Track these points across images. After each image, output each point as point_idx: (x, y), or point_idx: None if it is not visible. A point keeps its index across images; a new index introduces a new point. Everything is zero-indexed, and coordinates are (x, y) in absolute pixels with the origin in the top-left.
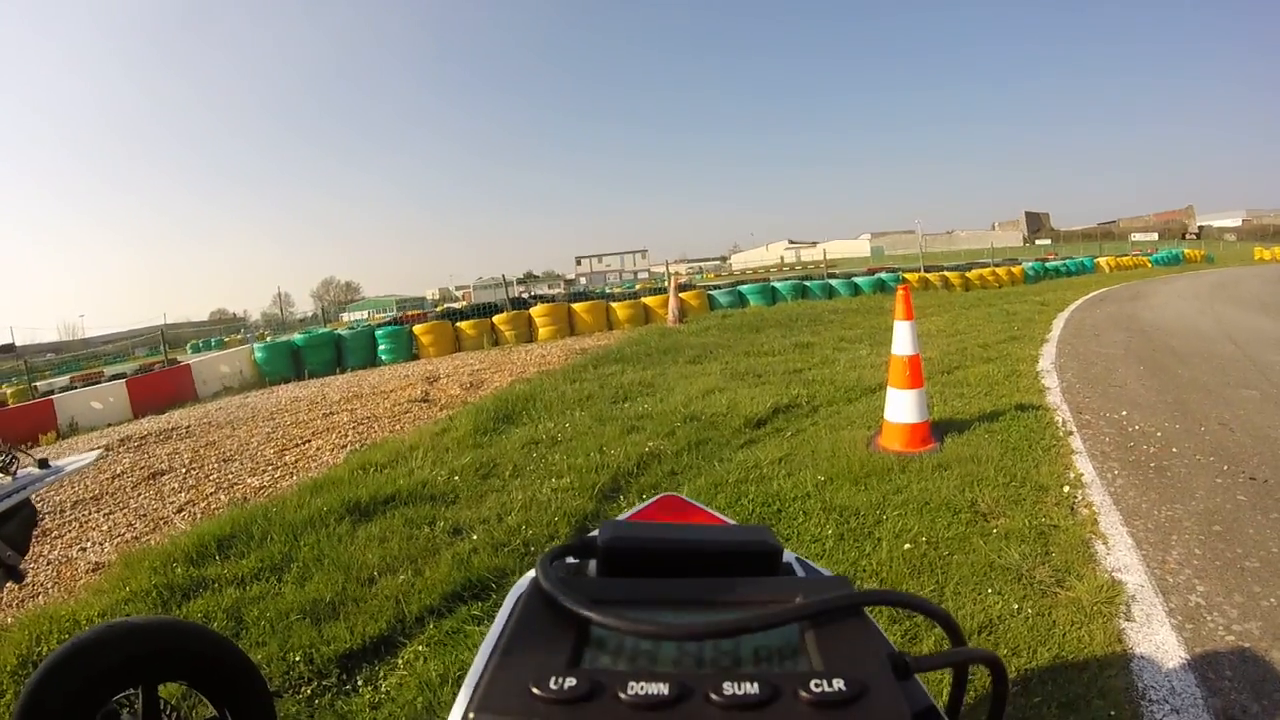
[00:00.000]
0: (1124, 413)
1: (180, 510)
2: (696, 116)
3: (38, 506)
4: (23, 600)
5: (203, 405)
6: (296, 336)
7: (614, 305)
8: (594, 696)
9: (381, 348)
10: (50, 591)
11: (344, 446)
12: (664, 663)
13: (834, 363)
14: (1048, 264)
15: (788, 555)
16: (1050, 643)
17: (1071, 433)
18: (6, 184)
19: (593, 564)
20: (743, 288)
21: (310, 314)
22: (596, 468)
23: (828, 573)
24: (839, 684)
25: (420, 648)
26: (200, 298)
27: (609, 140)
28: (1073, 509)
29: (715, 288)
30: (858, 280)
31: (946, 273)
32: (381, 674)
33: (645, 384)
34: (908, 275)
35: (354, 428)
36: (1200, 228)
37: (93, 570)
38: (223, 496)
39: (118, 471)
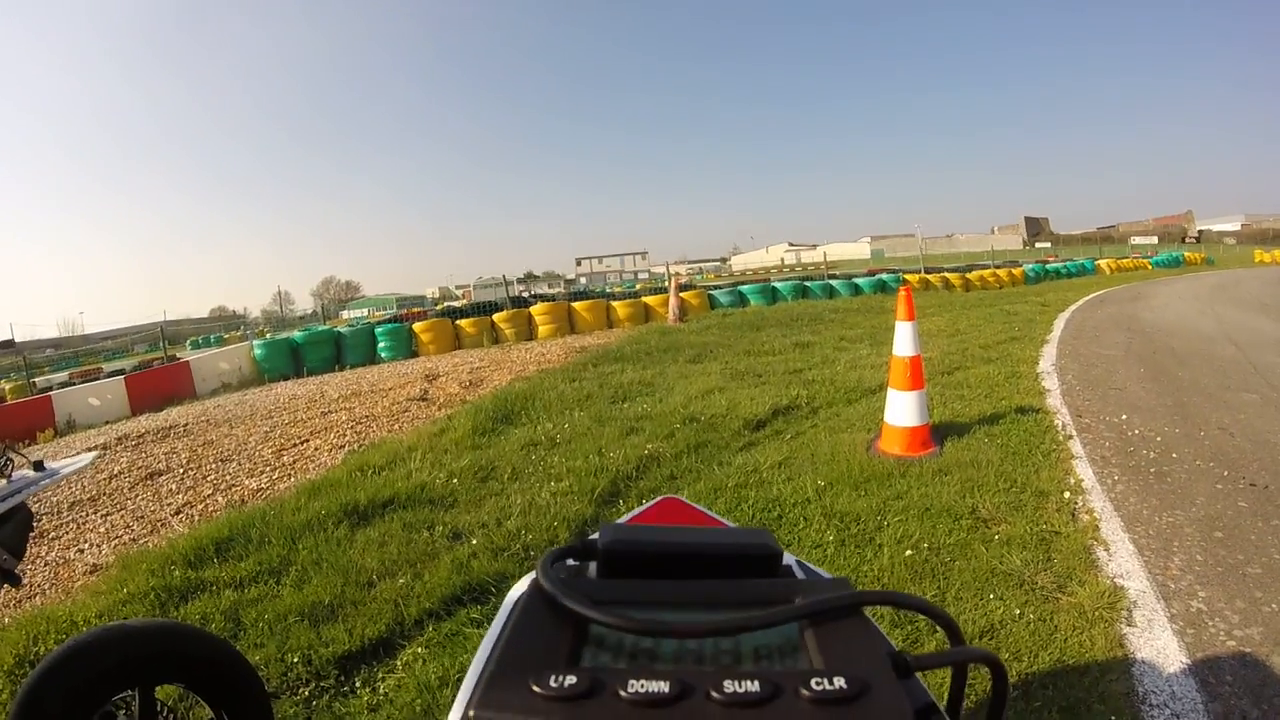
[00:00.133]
0: (1124, 417)
1: (178, 512)
2: (697, 120)
3: (34, 508)
4: (19, 601)
5: (201, 402)
6: (296, 334)
7: (614, 304)
8: (594, 694)
9: (381, 345)
10: (47, 593)
11: (342, 447)
12: (664, 661)
13: (834, 363)
14: (1048, 266)
15: (788, 558)
16: (1051, 647)
17: (1072, 437)
18: (6, 184)
19: (593, 566)
20: (743, 288)
21: (310, 311)
22: (595, 471)
23: (827, 575)
24: (840, 682)
25: (419, 650)
26: (200, 296)
27: (610, 144)
28: (1074, 515)
29: (716, 288)
30: (858, 281)
31: (947, 274)
32: (380, 676)
33: (645, 383)
34: (908, 276)
35: (352, 427)
36: (1200, 232)
37: (90, 572)
38: (220, 498)
39: (115, 471)
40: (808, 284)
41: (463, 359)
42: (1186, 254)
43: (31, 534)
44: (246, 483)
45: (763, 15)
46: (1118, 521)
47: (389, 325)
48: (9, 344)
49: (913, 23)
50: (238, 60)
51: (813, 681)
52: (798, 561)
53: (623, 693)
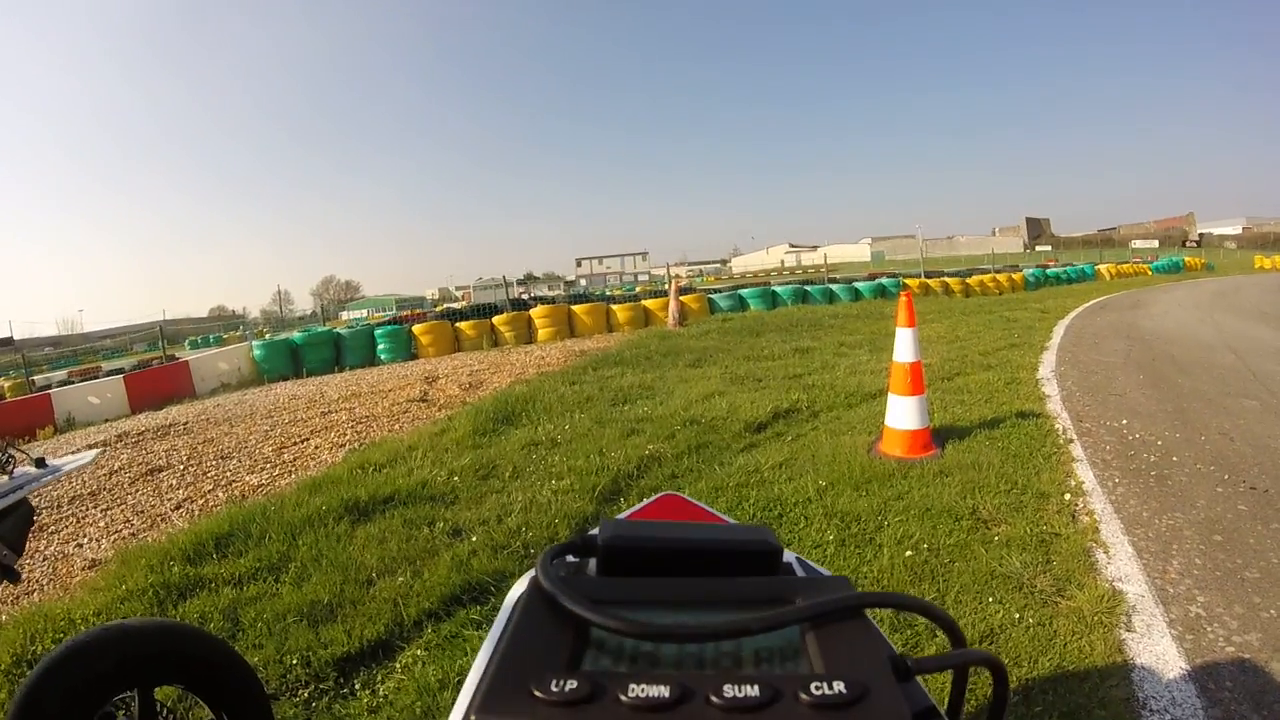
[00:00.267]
0: (1124, 421)
1: (178, 507)
2: (697, 120)
3: (34, 503)
4: (17, 597)
5: (201, 402)
6: (295, 334)
7: (614, 307)
8: (594, 698)
9: (380, 347)
10: (46, 589)
11: (342, 445)
12: (665, 664)
13: (834, 368)
14: (1048, 271)
15: (788, 555)
16: (1051, 652)
17: (1072, 440)
18: (6, 182)
19: (593, 562)
20: (743, 291)
21: (309, 312)
22: (596, 470)
23: (828, 573)
24: (839, 686)
25: (419, 652)
26: (199, 295)
27: (610, 144)
28: (1073, 517)
29: (715, 291)
30: (858, 285)
31: (947, 278)
32: (379, 678)
33: (645, 387)
34: (909, 281)
35: (352, 427)
36: (1201, 235)
37: (89, 567)
38: (221, 494)
39: (115, 467)
40: (808, 288)
41: (462, 361)
42: (1187, 259)
43: (31, 528)
44: (247, 479)
45: (763, 15)
46: (1117, 524)
47: (388, 327)
48: (8, 342)
49: (913, 23)
50: (237, 59)
51: (812, 685)
52: (798, 559)
53: (623, 697)
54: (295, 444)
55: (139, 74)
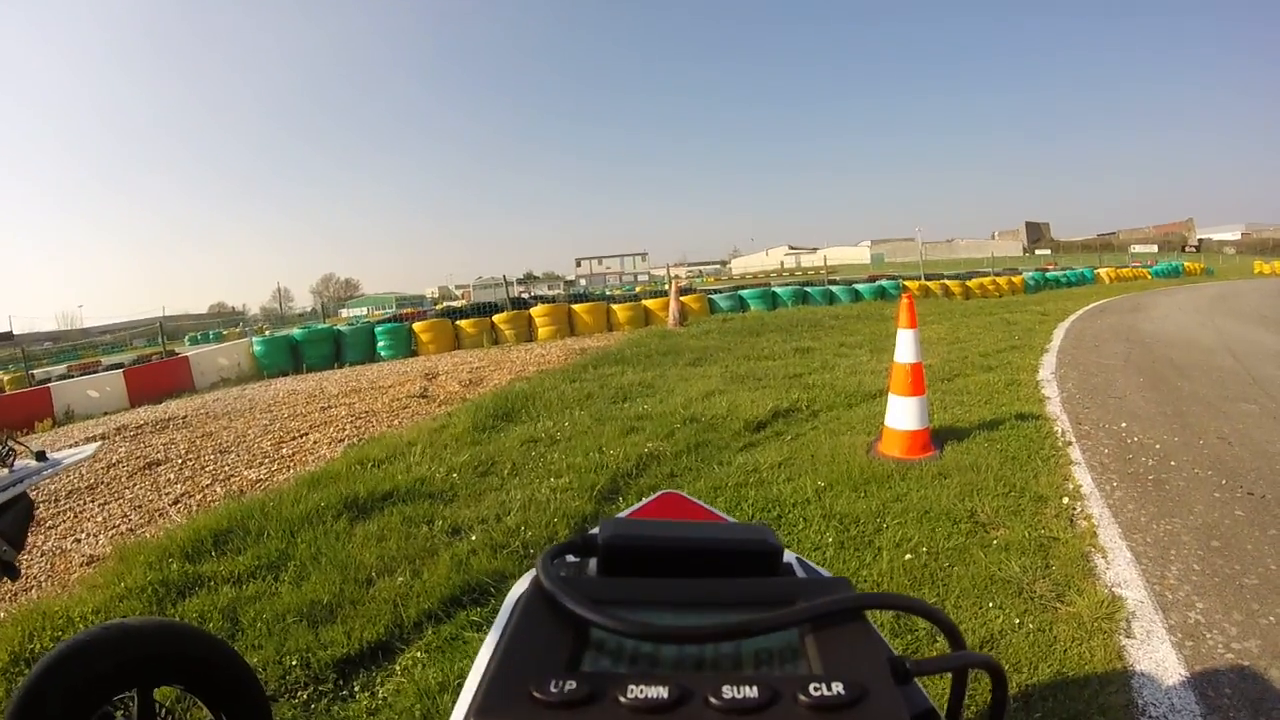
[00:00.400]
0: (1123, 424)
1: (176, 502)
2: (697, 120)
3: (33, 497)
4: (15, 594)
5: (200, 396)
6: (295, 331)
7: (614, 307)
8: (594, 700)
9: (381, 344)
10: (44, 585)
11: (341, 440)
12: (664, 665)
13: (834, 368)
14: (1048, 274)
15: (788, 556)
16: (1051, 659)
17: (1071, 443)
18: (5, 178)
19: (593, 562)
20: (743, 292)
21: (309, 309)
22: (596, 468)
23: (827, 574)
24: (838, 687)
25: (418, 654)
26: (199, 292)
27: (610, 143)
28: (1072, 521)
29: (715, 292)
30: (859, 287)
31: (947, 281)
32: (379, 680)
33: (645, 385)
34: (909, 283)
35: (351, 422)
36: (1200, 240)
37: (87, 563)
38: (219, 489)
39: (113, 461)
40: (808, 289)
41: (462, 359)
42: (1186, 264)
43: (31, 524)
44: (245, 473)
45: (762, 17)
46: (1115, 528)
47: (389, 325)
48: (8, 336)
49: (913, 26)
50: (237, 54)
51: (811, 687)
52: (798, 559)
53: (622, 698)
54: (294, 439)
55: (139, 69)
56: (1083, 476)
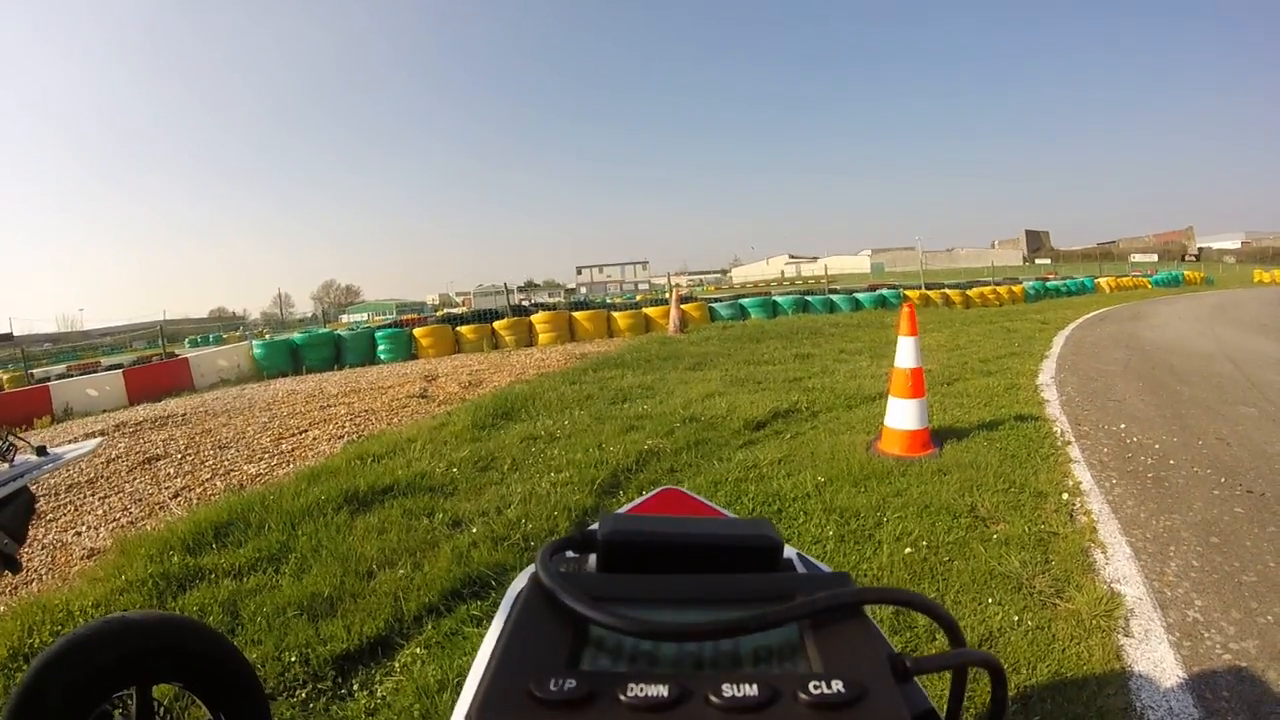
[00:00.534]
0: (1123, 426)
1: (176, 495)
2: (697, 121)
3: (34, 490)
4: (16, 587)
5: (199, 395)
6: (296, 335)
7: (615, 314)
8: (594, 699)
9: (381, 348)
10: (44, 578)
11: (341, 437)
12: (664, 663)
13: (834, 373)
14: (1048, 283)
15: (788, 551)
16: (1050, 658)
17: (1070, 443)
18: (6, 179)
19: (593, 558)
20: (744, 301)
21: (310, 315)
22: (596, 463)
23: (827, 569)
24: (838, 686)
25: (418, 650)
26: (199, 296)
27: (609, 143)
28: (1071, 516)
29: (716, 300)
30: (859, 296)
31: (947, 290)
32: (378, 678)
33: (645, 387)
34: (909, 292)
35: (351, 420)
36: (1200, 249)
37: (88, 556)
38: (219, 483)
39: (113, 456)
40: (808, 298)
41: (462, 362)
42: (1186, 273)
43: (32, 518)
44: (245, 468)
45: (764, 18)
46: (1115, 524)
47: (389, 330)
48: (7, 337)
49: (914, 29)
50: (237, 55)
51: (810, 685)
52: (798, 554)
53: (622, 697)
54: (294, 435)
55: (140, 69)
56: (1082, 474)
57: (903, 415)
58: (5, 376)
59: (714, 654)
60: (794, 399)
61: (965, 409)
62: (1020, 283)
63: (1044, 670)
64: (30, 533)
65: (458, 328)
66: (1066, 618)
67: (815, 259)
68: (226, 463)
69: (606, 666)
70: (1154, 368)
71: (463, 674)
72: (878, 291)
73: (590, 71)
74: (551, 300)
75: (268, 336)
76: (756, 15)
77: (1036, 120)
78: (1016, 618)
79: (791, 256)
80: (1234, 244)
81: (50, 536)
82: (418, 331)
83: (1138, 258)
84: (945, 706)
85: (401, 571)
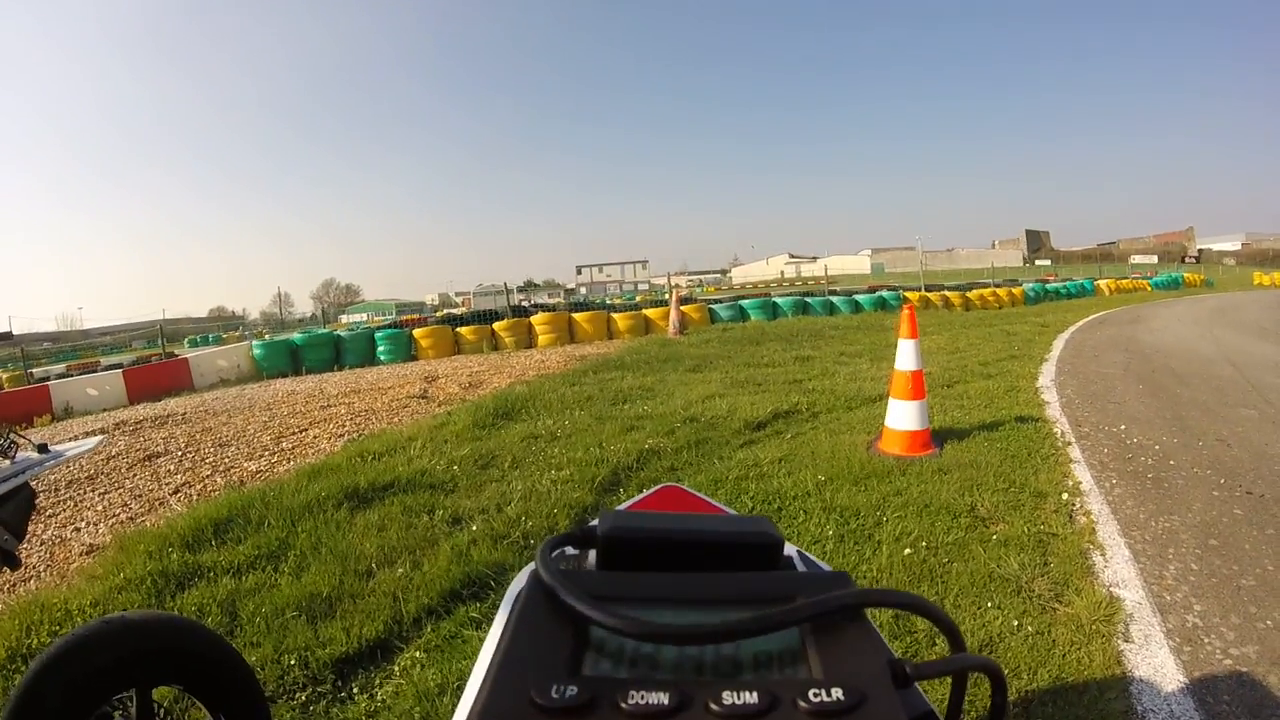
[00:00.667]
0: (1122, 427)
1: (176, 491)
2: (697, 122)
3: (34, 487)
4: (14, 584)
5: (199, 395)
6: (296, 335)
7: (614, 315)
8: (595, 706)
9: (380, 349)
10: (43, 575)
11: (341, 436)
12: (665, 666)
13: (834, 375)
14: (1048, 286)
15: (789, 548)
16: (1050, 663)
17: (1070, 444)
18: (6, 179)
19: (592, 554)
20: (744, 302)
21: (309, 315)
22: (596, 462)
23: (827, 568)
24: (837, 693)
25: (417, 653)
26: (198, 296)
27: (609, 143)
28: (1071, 517)
29: (716, 301)
30: (859, 298)
31: (947, 292)
32: (377, 681)
33: (645, 388)
34: (909, 294)
35: (351, 419)
36: (1200, 251)
37: (87, 552)
38: (219, 479)
39: (113, 453)
40: (808, 300)
41: (462, 363)
42: (1186, 275)
43: (32, 514)
44: (245, 465)
45: (763, 19)
46: (1114, 525)
47: (389, 330)
48: (7, 336)
49: (913, 31)
50: (238, 54)
51: (810, 692)
52: (799, 552)
53: (623, 704)
54: (294, 434)
55: (142, 67)
56: (1082, 474)
57: (903, 416)
58: (5, 376)
59: (715, 657)
60: (794, 400)
61: (965, 410)
62: (1020, 285)
63: (1044, 675)
64: (30, 529)
65: (457, 329)
66: (1066, 623)
67: (815, 259)
68: (227, 460)
69: (607, 671)
70: (1154, 370)
71: (462, 678)
72: (877, 293)
73: (591, 71)
74: (551, 301)
75: (267, 337)
76: (756, 18)
77: (1036, 120)
78: (1016, 622)
79: (792, 256)
80: (1234, 245)
81: (50, 532)
82: (417, 332)
83: (1138, 259)
84: (945, 711)
85: (401, 570)
